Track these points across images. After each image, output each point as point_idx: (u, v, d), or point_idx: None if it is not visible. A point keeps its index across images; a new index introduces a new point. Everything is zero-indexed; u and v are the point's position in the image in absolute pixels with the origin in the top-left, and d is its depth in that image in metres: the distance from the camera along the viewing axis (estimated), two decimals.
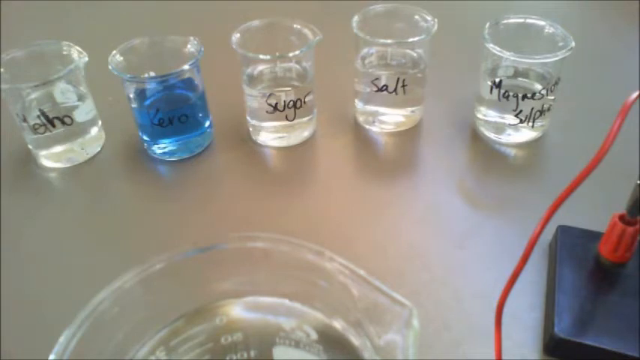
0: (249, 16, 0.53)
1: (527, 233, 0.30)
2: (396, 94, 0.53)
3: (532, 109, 0.51)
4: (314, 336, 0.29)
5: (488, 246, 0.45)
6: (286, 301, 0.31)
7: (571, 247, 0.41)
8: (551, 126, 0.54)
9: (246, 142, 0.56)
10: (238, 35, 0.51)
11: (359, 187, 0.51)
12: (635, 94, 0.28)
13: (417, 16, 0.53)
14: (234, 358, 0.30)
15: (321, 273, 0.28)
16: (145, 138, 0.53)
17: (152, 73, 0.50)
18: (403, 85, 0.52)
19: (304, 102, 0.52)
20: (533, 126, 0.52)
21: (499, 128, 0.54)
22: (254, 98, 0.52)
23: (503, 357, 0.34)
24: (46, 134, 0.51)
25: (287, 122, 0.53)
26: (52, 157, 0.53)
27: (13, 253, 0.46)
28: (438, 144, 0.55)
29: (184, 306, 0.30)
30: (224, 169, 0.54)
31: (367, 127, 0.57)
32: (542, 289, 0.41)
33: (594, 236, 0.41)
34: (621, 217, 0.38)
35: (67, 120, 0.51)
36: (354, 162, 0.55)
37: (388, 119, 0.56)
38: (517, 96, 0.50)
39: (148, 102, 0.51)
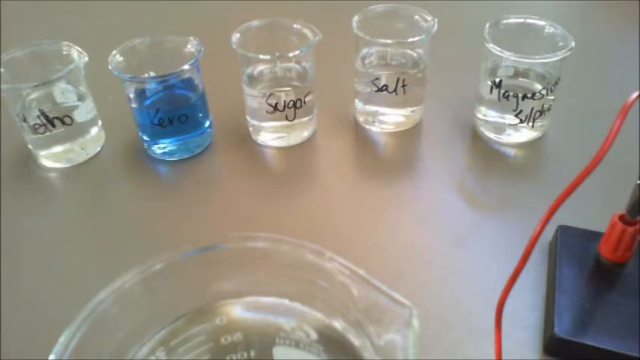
0: (249, 16, 0.53)
1: (527, 233, 0.30)
2: (396, 94, 0.53)
3: (532, 109, 0.51)
4: (314, 336, 0.29)
5: (488, 246, 0.45)
6: (286, 301, 0.31)
7: (571, 247, 0.41)
8: (551, 126, 0.54)
9: (246, 142, 0.56)
10: (238, 35, 0.51)
11: (359, 187, 0.51)
12: (635, 94, 0.28)
13: (417, 16, 0.53)
14: (234, 358, 0.30)
15: (321, 273, 0.28)
16: (145, 138, 0.53)
17: (152, 73, 0.50)
18: (403, 85, 0.52)
19: (304, 102, 0.52)
20: (533, 126, 0.52)
21: (499, 128, 0.53)
22: (254, 98, 0.52)
23: (503, 357, 0.34)
24: (46, 134, 0.51)
25: (287, 122, 0.53)
26: (52, 157, 0.53)
27: (13, 253, 0.46)
28: (438, 144, 0.55)
29: (184, 306, 0.30)
30: (224, 169, 0.54)
31: (367, 127, 0.57)
32: (542, 289, 0.41)
33: (594, 236, 0.41)
34: (621, 217, 0.38)
35: (67, 120, 0.51)
36: (354, 162, 0.55)
37: (388, 119, 0.56)
38: (517, 96, 0.50)
39: (148, 102, 0.51)
